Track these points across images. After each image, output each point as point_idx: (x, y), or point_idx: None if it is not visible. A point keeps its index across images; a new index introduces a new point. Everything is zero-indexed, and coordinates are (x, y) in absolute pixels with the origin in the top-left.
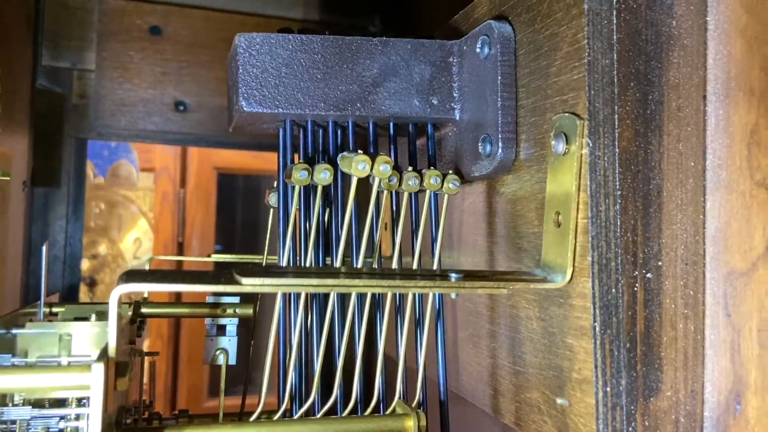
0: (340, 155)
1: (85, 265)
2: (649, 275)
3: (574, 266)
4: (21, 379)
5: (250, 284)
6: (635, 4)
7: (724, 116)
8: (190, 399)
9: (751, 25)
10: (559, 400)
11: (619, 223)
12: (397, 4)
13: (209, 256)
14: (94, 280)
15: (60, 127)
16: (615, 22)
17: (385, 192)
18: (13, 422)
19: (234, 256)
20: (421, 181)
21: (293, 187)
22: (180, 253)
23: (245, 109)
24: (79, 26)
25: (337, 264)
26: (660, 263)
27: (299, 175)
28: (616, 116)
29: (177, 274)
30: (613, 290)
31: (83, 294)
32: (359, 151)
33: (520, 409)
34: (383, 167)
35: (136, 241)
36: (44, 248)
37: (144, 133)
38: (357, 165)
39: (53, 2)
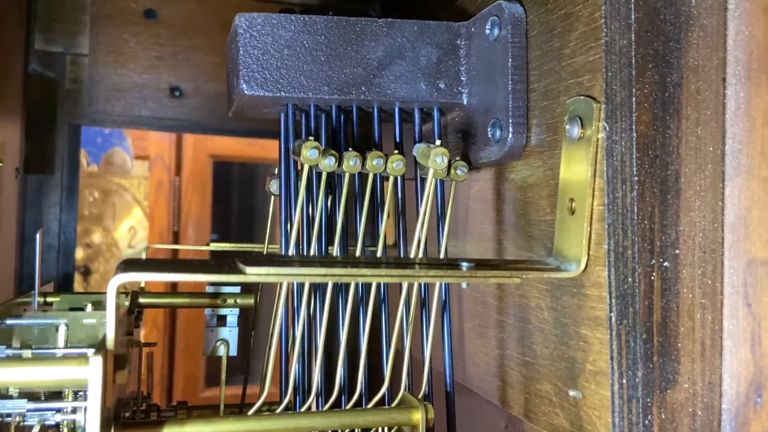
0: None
1: (79, 254)
2: (666, 264)
3: (588, 255)
4: (16, 373)
5: (254, 273)
6: None
7: (744, 99)
8: (187, 389)
9: None
10: (571, 392)
11: (636, 210)
12: None
13: (207, 244)
14: (89, 269)
15: (53, 113)
16: (633, 0)
17: (390, 179)
18: (8, 415)
19: (233, 245)
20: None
21: (297, 174)
22: (175, 242)
23: (246, 92)
24: (72, 9)
25: (337, 253)
26: (677, 251)
27: (309, 154)
28: (634, 99)
29: (178, 263)
30: (630, 279)
31: (77, 283)
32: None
33: (530, 401)
34: (376, 161)
35: (131, 229)
36: (38, 236)
37: (139, 119)
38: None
39: None
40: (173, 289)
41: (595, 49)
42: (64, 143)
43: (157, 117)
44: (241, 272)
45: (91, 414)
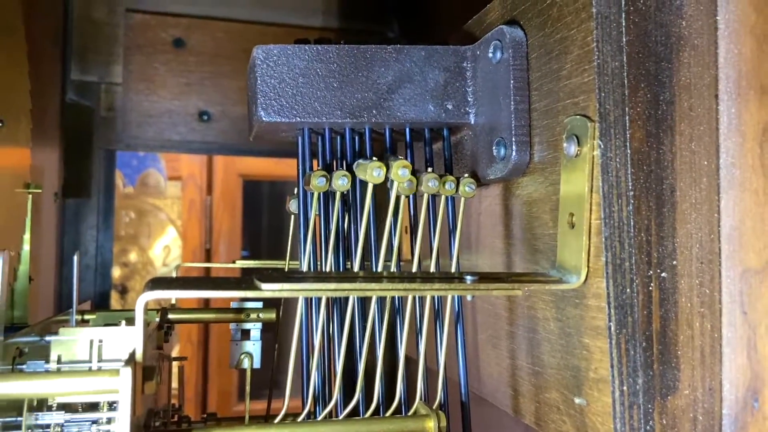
0: (356, 163)
1: (116, 272)
2: (664, 274)
3: (588, 267)
4: (54, 384)
5: (269, 290)
6: (644, 6)
7: (736, 115)
8: (220, 403)
9: (760, 24)
10: (577, 400)
11: (632, 223)
12: (415, 10)
13: (234, 262)
14: (125, 288)
15: (89, 139)
16: (624, 24)
17: (403, 197)
18: (47, 426)
19: (258, 261)
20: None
21: (312, 194)
22: (208, 259)
23: (264, 119)
24: (105, 41)
25: (356, 268)
26: (675, 262)
27: (317, 182)
28: (627, 117)
29: (200, 280)
30: (628, 290)
31: (115, 301)
32: (374, 158)
33: (540, 410)
34: (401, 171)
35: (165, 248)
36: (76, 257)
37: (170, 143)
38: (372, 172)
39: (80, 18)
40: (205, 304)
41: (589, 71)
42: (100, 168)
43: (186, 140)
44: (257, 288)
45: (121, 420)
